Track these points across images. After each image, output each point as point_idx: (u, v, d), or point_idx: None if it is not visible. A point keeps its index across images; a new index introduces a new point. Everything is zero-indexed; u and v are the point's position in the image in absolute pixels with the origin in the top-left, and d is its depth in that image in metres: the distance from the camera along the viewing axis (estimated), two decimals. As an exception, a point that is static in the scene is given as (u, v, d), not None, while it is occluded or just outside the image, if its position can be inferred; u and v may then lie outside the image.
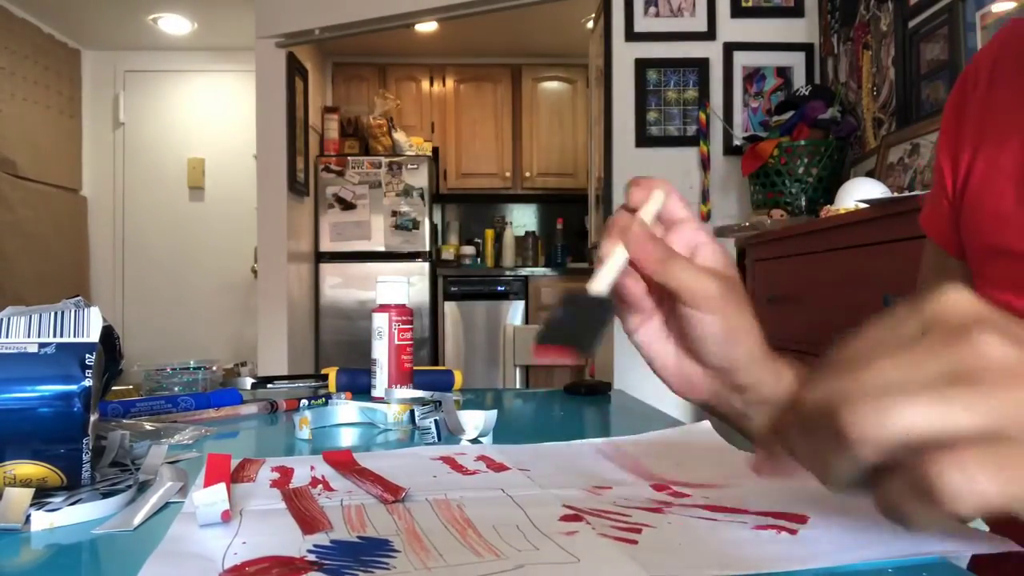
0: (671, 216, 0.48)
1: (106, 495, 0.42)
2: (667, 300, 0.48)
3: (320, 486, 0.46)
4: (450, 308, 4.55)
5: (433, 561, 0.32)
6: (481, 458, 0.52)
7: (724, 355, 0.47)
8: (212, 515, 0.37)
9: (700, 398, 0.50)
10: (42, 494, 0.42)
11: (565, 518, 0.38)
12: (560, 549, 0.33)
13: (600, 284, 0.45)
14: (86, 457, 0.44)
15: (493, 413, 0.68)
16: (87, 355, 0.43)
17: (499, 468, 0.50)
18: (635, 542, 0.34)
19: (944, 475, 0.26)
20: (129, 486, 0.44)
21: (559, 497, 0.42)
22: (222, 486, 0.37)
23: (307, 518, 0.38)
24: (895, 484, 0.28)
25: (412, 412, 0.72)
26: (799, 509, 0.38)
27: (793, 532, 0.35)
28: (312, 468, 0.50)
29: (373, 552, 0.33)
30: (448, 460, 0.52)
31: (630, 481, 0.46)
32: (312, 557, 0.33)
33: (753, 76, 3.00)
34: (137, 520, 0.39)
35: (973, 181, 0.61)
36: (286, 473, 0.49)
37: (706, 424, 0.60)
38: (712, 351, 0.47)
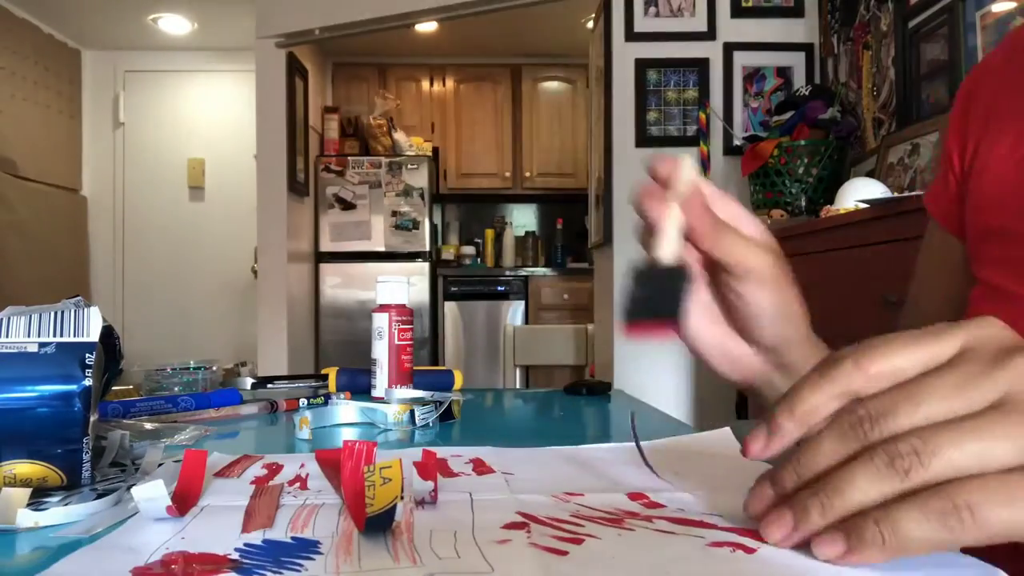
0: (699, 190, 0.45)
1: (100, 496, 0.42)
2: (715, 275, 0.46)
3: (297, 484, 0.46)
4: (450, 308, 4.55)
5: (348, 566, 0.31)
6: (472, 460, 0.52)
7: (775, 332, 0.46)
8: (155, 510, 0.37)
9: (743, 377, 0.49)
10: (42, 494, 0.42)
11: (508, 525, 0.37)
12: (481, 558, 0.32)
13: (670, 250, 0.43)
14: (86, 457, 0.44)
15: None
16: (87, 355, 0.43)
17: (485, 472, 0.49)
18: (565, 553, 0.33)
19: (992, 509, 0.28)
20: (121, 487, 0.44)
21: (520, 503, 0.41)
22: (160, 482, 0.37)
23: (252, 515, 0.38)
24: (916, 511, 0.29)
25: (412, 412, 0.72)
26: None
27: (751, 551, 0.33)
28: (302, 466, 0.50)
29: (295, 553, 0.33)
30: (438, 462, 0.51)
31: (607, 488, 0.45)
32: (236, 555, 0.33)
33: (753, 76, 3.00)
34: (98, 528, 0.38)
35: (978, 162, 0.61)
36: (274, 470, 0.49)
37: (726, 431, 0.58)
38: (763, 327, 0.46)
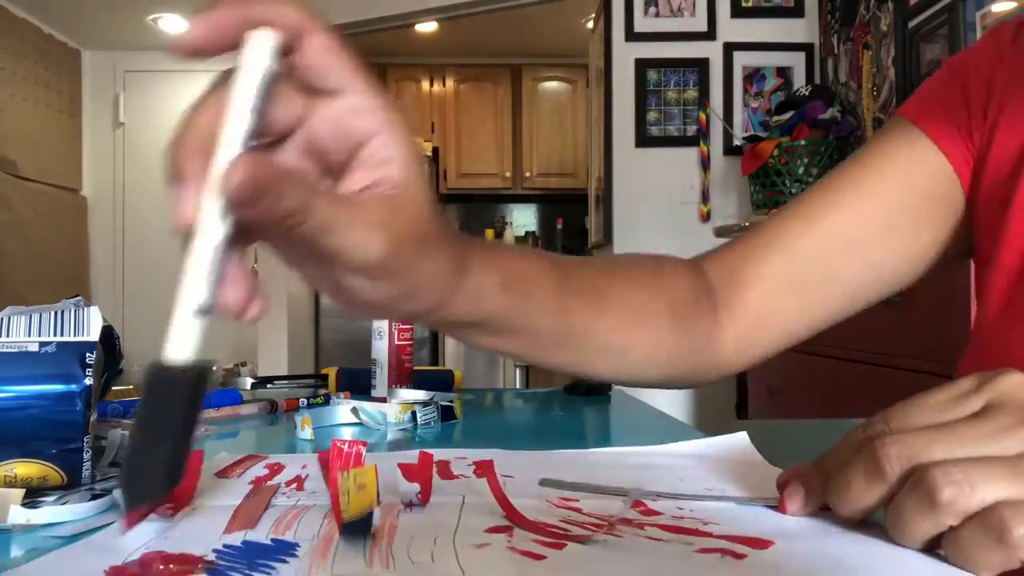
0: (310, 78, 0.28)
1: (96, 496, 0.42)
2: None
3: (294, 485, 0.45)
4: (450, 308, 4.54)
5: (320, 571, 0.31)
6: (475, 463, 0.51)
7: (406, 308, 0.34)
8: None
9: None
10: (39, 493, 0.42)
11: (491, 529, 0.36)
12: (455, 563, 0.32)
13: (184, 346, 0.26)
14: (86, 456, 0.44)
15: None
16: (87, 354, 0.43)
17: (483, 475, 0.48)
18: (543, 557, 0.32)
19: (1015, 527, 0.28)
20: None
21: (512, 506, 0.40)
22: None
23: (236, 516, 0.38)
24: (969, 534, 0.30)
25: (414, 412, 0.72)
26: (774, 534, 0.35)
27: (740, 557, 0.32)
28: (304, 466, 0.50)
29: (271, 555, 0.33)
30: (440, 464, 0.51)
31: (605, 495, 0.43)
32: (213, 556, 0.32)
33: (753, 76, 3.00)
34: (88, 527, 0.38)
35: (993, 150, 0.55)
36: (276, 470, 0.49)
37: (742, 436, 0.55)
38: (390, 311, 0.34)
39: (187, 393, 0.26)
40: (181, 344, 0.26)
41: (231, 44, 0.26)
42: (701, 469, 0.49)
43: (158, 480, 0.27)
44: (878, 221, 0.56)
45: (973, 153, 0.56)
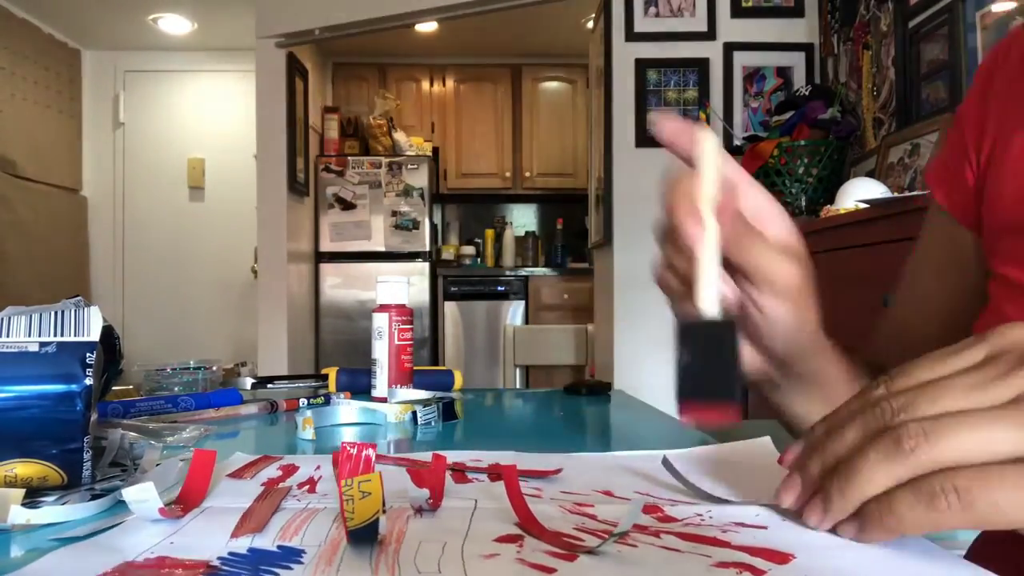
0: (725, 178, 0.42)
1: (96, 496, 0.42)
2: (732, 275, 0.44)
3: (307, 487, 0.45)
4: (450, 308, 4.55)
5: None
6: (491, 466, 0.50)
7: (787, 344, 0.45)
8: (147, 511, 0.37)
9: (748, 378, 0.49)
10: (40, 493, 0.42)
11: (501, 538, 0.35)
12: (462, 573, 0.31)
13: (711, 302, 0.39)
14: (87, 456, 0.44)
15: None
16: (88, 354, 0.43)
17: (498, 479, 0.47)
18: (553, 570, 0.31)
19: (980, 494, 0.29)
20: (119, 487, 0.44)
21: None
22: (150, 484, 0.36)
23: (244, 520, 0.38)
24: (910, 494, 0.30)
25: (415, 412, 0.72)
26: (796, 546, 0.34)
27: (759, 572, 0.31)
28: (318, 467, 0.50)
29: (276, 562, 0.32)
30: (454, 465, 0.50)
31: (621, 500, 0.42)
32: (217, 563, 0.32)
33: (753, 76, 3.00)
34: (94, 528, 0.37)
35: (996, 154, 0.59)
36: (289, 471, 0.49)
37: (765, 440, 0.54)
38: (776, 338, 0.45)
39: (729, 333, 0.39)
40: (713, 305, 0.39)
41: (688, 142, 0.42)
42: (722, 474, 0.48)
43: (719, 391, 0.39)
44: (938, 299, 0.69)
45: (972, 193, 0.62)
